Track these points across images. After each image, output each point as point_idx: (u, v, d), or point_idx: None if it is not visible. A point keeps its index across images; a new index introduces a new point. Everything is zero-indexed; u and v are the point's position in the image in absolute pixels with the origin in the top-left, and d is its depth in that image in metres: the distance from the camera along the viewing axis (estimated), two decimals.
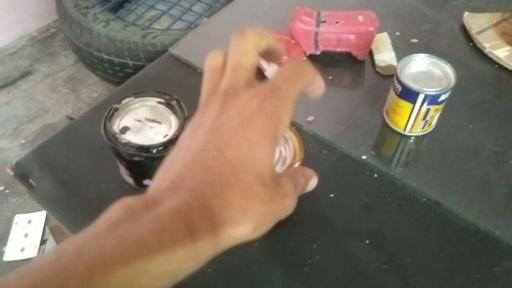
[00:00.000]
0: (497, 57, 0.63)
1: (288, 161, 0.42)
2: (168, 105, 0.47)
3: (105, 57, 1.27)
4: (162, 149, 0.43)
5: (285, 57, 0.60)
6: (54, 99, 1.58)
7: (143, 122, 0.46)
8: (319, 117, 0.57)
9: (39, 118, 1.52)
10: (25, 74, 1.67)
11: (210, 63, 0.32)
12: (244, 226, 0.27)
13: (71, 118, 1.48)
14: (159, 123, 0.46)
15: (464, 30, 0.69)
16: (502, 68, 0.63)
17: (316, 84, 0.32)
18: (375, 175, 0.51)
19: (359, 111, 0.58)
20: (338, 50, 0.63)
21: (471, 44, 0.67)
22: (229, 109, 0.29)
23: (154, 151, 0.43)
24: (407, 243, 0.45)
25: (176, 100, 0.47)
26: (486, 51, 0.64)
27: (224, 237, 0.27)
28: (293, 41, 0.63)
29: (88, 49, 1.29)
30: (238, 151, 0.27)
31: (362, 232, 0.46)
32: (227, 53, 0.32)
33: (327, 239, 0.46)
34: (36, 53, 1.75)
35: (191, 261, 0.26)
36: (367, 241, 0.45)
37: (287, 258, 0.44)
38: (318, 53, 0.64)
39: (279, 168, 0.42)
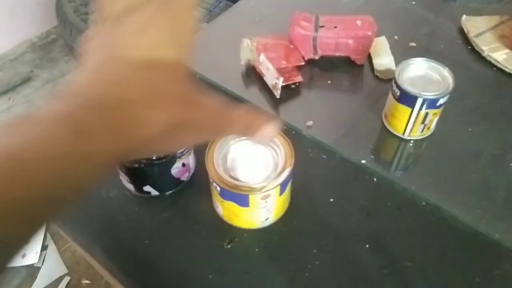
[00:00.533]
0: (495, 60, 0.63)
1: (280, 167, 0.42)
2: None
3: None
4: (162, 155, 0.43)
5: (284, 62, 0.60)
6: None
7: None
8: (318, 121, 0.57)
9: None
10: (26, 80, 1.67)
11: None
12: (150, 125, 0.26)
13: None
14: None
15: (462, 33, 0.69)
16: (500, 71, 0.63)
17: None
18: (375, 179, 0.51)
19: (358, 115, 0.58)
20: (337, 54, 0.63)
21: (469, 47, 0.67)
22: (125, 21, 0.27)
23: (154, 157, 0.43)
24: (407, 247, 0.45)
25: None
26: (485, 54, 0.64)
27: (124, 137, 0.25)
28: (291, 46, 0.63)
29: None
30: (140, 53, 0.26)
31: (362, 236, 0.46)
32: None
33: (327, 243, 0.46)
34: (36, 59, 1.76)
35: (86, 165, 0.24)
36: (367, 246, 0.45)
37: (287, 263, 0.44)
38: (316, 57, 0.64)
39: (270, 174, 0.42)
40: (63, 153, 0.23)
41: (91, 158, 0.24)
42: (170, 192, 0.49)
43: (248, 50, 0.62)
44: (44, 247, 1.21)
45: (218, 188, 0.42)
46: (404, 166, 0.54)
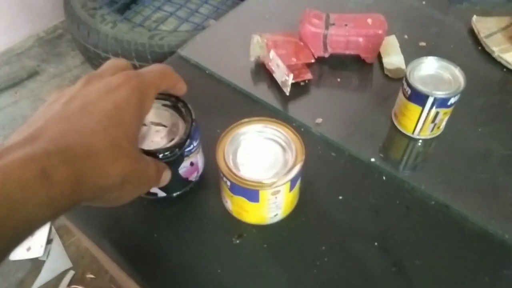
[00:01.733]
0: (505, 61, 0.63)
1: (290, 163, 0.42)
2: (175, 107, 0.45)
3: (112, 58, 1.27)
4: (169, 153, 0.41)
5: (294, 59, 0.60)
6: None
7: (148, 126, 0.44)
8: (327, 119, 0.57)
9: None
10: (32, 75, 1.68)
11: (117, 62, 0.36)
12: (111, 177, 0.28)
13: None
14: (165, 126, 0.44)
15: (472, 33, 0.69)
16: (510, 72, 0.63)
17: (179, 86, 0.40)
18: (384, 178, 0.51)
19: (367, 113, 0.58)
20: (347, 52, 0.63)
21: (480, 47, 0.67)
22: (94, 83, 0.31)
23: (160, 156, 0.41)
24: (416, 246, 0.45)
25: (183, 102, 0.44)
26: (495, 55, 0.64)
27: (87, 185, 0.27)
28: (301, 44, 0.63)
29: (95, 50, 1.30)
30: (105, 109, 0.29)
31: (371, 234, 0.46)
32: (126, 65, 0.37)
33: (336, 241, 0.46)
34: (43, 53, 1.76)
35: (47, 209, 0.25)
36: (376, 244, 0.45)
37: (295, 260, 0.44)
38: (326, 55, 0.64)
39: (280, 170, 0.42)
40: (27, 195, 0.24)
41: (53, 203, 0.25)
42: (178, 193, 0.48)
43: (258, 46, 0.62)
44: (49, 241, 1.22)
45: (228, 183, 0.42)
46: (413, 165, 0.54)
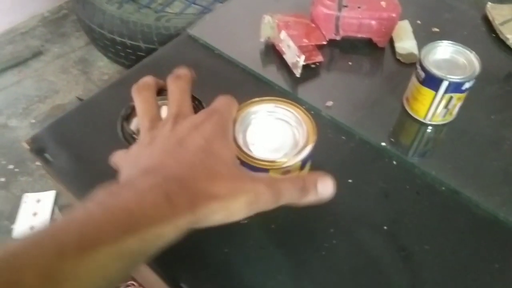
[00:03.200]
0: None
1: (301, 144, 0.42)
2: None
3: (118, 39, 1.26)
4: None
5: (305, 41, 0.59)
6: (64, 80, 1.58)
7: None
8: (338, 102, 0.56)
9: (49, 99, 1.52)
10: (36, 54, 1.67)
11: (144, 94, 0.41)
12: (216, 198, 0.32)
13: (81, 99, 1.48)
14: None
15: (486, 20, 0.68)
16: None
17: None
18: (394, 162, 0.50)
19: (378, 98, 0.57)
20: (359, 36, 0.62)
21: (494, 35, 0.65)
22: (181, 123, 0.37)
23: None
24: (425, 231, 0.45)
25: (198, 100, 0.44)
26: (509, 42, 0.63)
27: (199, 207, 0.32)
28: (313, 25, 0.62)
29: (100, 31, 1.29)
30: (197, 144, 0.34)
31: (380, 218, 0.46)
32: (156, 80, 0.43)
33: (345, 223, 0.45)
34: (47, 33, 1.75)
35: (172, 228, 0.30)
36: (385, 227, 0.45)
37: (304, 241, 0.44)
38: (338, 38, 0.63)
39: (290, 151, 0.42)
40: (157, 214, 0.29)
41: (174, 222, 0.30)
42: None
43: (268, 27, 0.61)
44: (52, 220, 1.22)
45: (238, 162, 0.42)
46: (424, 150, 0.53)
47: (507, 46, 0.64)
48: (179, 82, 0.41)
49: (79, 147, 0.53)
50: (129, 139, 0.44)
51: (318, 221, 0.45)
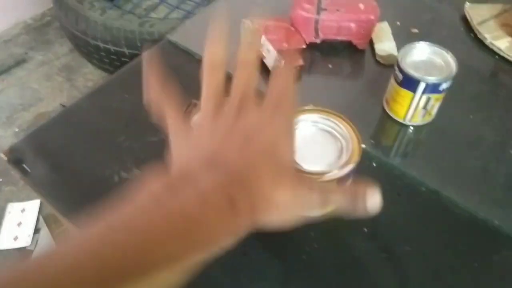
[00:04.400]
0: (498, 48, 0.63)
1: (343, 160, 0.40)
2: None
3: (102, 45, 1.25)
4: None
5: (285, 45, 0.59)
6: (49, 88, 1.56)
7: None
8: (318, 105, 0.56)
9: (33, 107, 1.51)
10: (20, 62, 1.65)
11: (217, 76, 0.35)
12: (276, 205, 0.30)
13: (65, 107, 1.47)
14: None
15: (465, 20, 0.68)
16: (502, 59, 0.62)
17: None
18: (374, 164, 0.50)
19: (359, 100, 0.57)
20: (339, 38, 0.62)
21: (472, 34, 0.66)
22: (247, 114, 0.32)
23: None
24: (406, 232, 0.45)
25: None
26: (487, 42, 0.64)
27: (259, 222, 0.29)
28: (293, 29, 0.62)
29: (84, 37, 1.28)
30: (265, 142, 0.31)
31: (360, 220, 0.45)
32: (224, 45, 0.36)
33: (325, 227, 0.45)
34: (31, 41, 1.73)
35: (231, 235, 0.28)
36: (365, 229, 0.45)
37: (285, 247, 0.44)
38: (318, 41, 0.63)
39: (331, 164, 0.40)
40: (219, 221, 0.27)
41: (235, 229, 0.28)
42: None
43: (248, 32, 0.61)
44: (36, 230, 1.20)
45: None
46: (404, 151, 0.53)
47: (485, 46, 0.64)
48: (247, 67, 0.36)
49: (59, 157, 0.52)
50: None
51: (298, 226, 0.45)
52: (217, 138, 0.31)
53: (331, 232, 0.45)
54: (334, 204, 0.32)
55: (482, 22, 0.66)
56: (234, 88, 0.34)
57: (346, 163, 0.40)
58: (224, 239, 0.28)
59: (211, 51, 0.35)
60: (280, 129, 0.32)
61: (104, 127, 0.55)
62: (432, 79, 0.48)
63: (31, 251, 1.17)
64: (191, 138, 0.33)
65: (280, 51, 0.57)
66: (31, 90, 1.55)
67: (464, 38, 0.66)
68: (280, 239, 0.44)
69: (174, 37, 0.66)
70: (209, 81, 0.35)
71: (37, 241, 1.19)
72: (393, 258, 0.43)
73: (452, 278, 0.42)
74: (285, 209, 0.30)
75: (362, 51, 0.63)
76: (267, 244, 0.44)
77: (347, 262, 0.43)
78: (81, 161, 0.52)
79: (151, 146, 0.52)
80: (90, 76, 1.58)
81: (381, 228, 0.45)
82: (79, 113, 0.58)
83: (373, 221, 0.46)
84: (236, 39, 0.62)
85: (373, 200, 0.32)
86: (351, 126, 0.42)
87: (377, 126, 0.55)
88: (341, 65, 0.62)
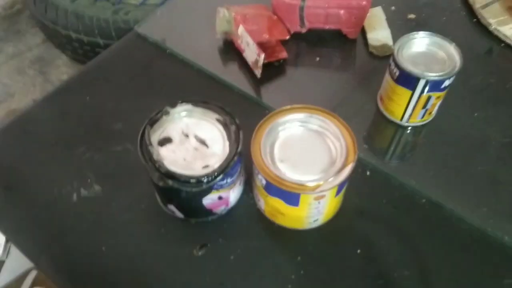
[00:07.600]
0: (503, 34, 0.56)
1: (339, 163, 0.36)
2: (225, 127, 0.38)
3: (74, 35, 1.17)
4: (195, 181, 0.35)
5: (266, 36, 0.52)
6: (20, 82, 1.47)
7: (189, 138, 0.38)
8: (305, 103, 0.50)
9: (4, 103, 1.43)
10: None
11: None
12: None
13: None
14: (207, 147, 0.38)
15: (466, 4, 0.62)
16: (509, 47, 0.56)
17: None
18: (368, 173, 0.44)
19: (350, 97, 0.51)
20: (327, 27, 0.56)
21: (475, 20, 0.60)
22: None
23: (182, 181, 0.35)
24: (404, 253, 0.39)
25: (236, 126, 0.38)
26: (492, 27, 0.58)
27: None
28: (275, 17, 0.55)
29: (54, 27, 1.19)
30: None
31: (353, 240, 0.40)
32: None
33: (313, 249, 0.40)
34: (0, 31, 1.63)
35: None
36: (359, 251, 0.39)
37: (267, 273, 0.38)
38: (303, 31, 0.56)
39: (325, 171, 0.36)
40: None
41: None
42: (196, 220, 0.41)
43: (224, 21, 0.54)
44: (8, 240, 1.14)
45: (264, 181, 0.36)
46: (401, 157, 0.47)
47: (489, 32, 0.58)
48: None
49: (10, 174, 0.46)
50: (145, 154, 0.36)
51: (283, 249, 0.40)
52: None
53: (320, 256, 0.39)
54: None
55: (485, 5, 0.60)
56: None
57: (342, 167, 0.36)
58: None
59: None
60: None
61: (61, 137, 0.49)
62: (433, 76, 0.42)
63: (3, 262, 1.11)
64: None
65: (260, 44, 0.51)
66: (1, 85, 1.47)
67: (466, 24, 0.60)
68: (261, 266, 0.38)
69: (141, 29, 0.59)
70: None
71: (9, 250, 1.13)
72: (390, 284, 0.38)
73: None
74: None
75: (353, 41, 0.57)
76: (246, 271, 0.38)
77: None
78: (34, 178, 0.45)
79: (115, 157, 0.46)
80: (65, 69, 1.49)
81: (377, 249, 0.40)
82: (33, 121, 0.51)
83: (368, 241, 0.40)
84: (213, 29, 0.55)
85: None
86: (342, 124, 0.38)
87: (370, 128, 0.49)
88: (330, 57, 0.56)
